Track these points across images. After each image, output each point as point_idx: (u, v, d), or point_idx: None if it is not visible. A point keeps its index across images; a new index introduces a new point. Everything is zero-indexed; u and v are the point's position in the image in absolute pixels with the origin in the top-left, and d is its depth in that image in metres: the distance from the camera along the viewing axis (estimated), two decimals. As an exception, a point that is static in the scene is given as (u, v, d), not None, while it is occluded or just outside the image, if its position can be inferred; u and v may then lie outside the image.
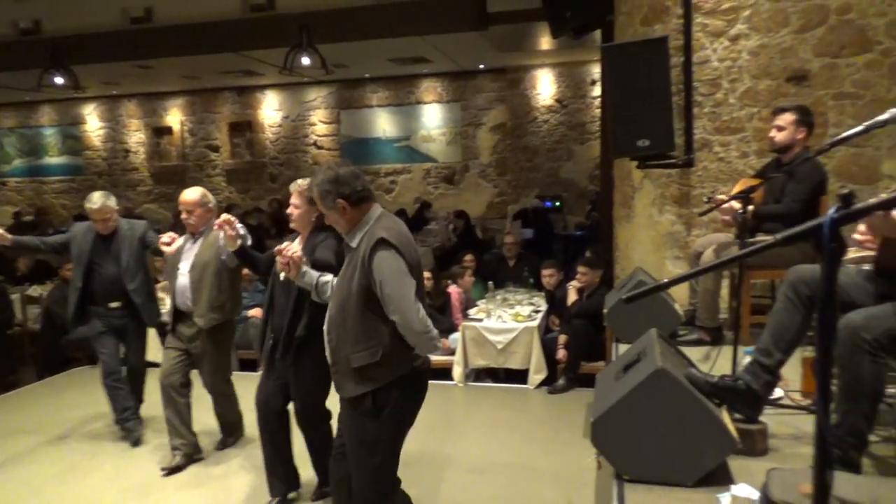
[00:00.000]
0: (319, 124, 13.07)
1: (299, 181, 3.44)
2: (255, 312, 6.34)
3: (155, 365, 6.33)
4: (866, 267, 2.38)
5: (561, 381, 5.57)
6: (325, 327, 2.62)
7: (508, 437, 4.70)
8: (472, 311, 6.19)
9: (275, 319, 3.48)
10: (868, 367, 2.02)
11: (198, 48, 9.08)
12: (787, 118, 3.60)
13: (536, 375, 5.68)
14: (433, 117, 12.46)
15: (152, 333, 6.43)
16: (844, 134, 2.39)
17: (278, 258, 2.82)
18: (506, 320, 5.85)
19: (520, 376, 5.79)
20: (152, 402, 4.98)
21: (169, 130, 13.84)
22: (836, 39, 4.32)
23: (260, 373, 5.26)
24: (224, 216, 3.61)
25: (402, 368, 2.50)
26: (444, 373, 5.88)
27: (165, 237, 4.17)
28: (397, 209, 11.12)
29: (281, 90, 13.11)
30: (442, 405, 5.38)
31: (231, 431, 4.59)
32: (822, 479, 1.15)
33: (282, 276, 3.26)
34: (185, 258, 4.16)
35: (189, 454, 4.33)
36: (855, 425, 2.07)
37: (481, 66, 11.78)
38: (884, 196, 1.20)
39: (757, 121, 4.45)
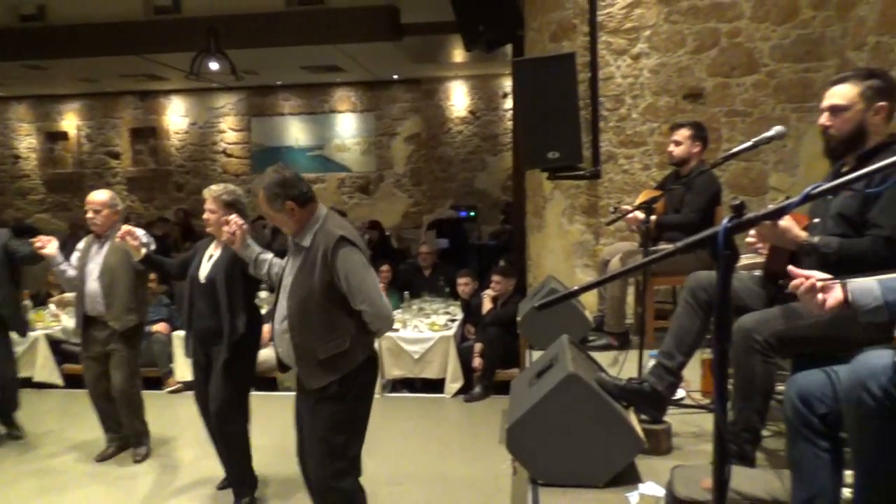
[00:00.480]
0: (229, 132, 12.67)
1: (213, 187, 3.53)
2: (160, 328, 6.05)
3: (49, 386, 5.98)
4: (757, 273, 2.55)
5: (477, 389, 5.63)
6: (280, 325, 2.69)
7: (425, 446, 4.70)
8: (388, 322, 6.15)
9: (199, 321, 3.54)
10: (760, 366, 2.15)
11: (96, 49, 8.62)
12: (683, 133, 3.81)
13: (453, 384, 5.71)
14: (347, 127, 12.35)
15: (45, 353, 6.05)
16: (735, 149, 2.57)
17: (224, 229, 2.94)
18: (422, 330, 5.86)
19: (436, 386, 5.81)
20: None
21: (64, 136, 13.01)
22: (728, 60, 4.63)
23: (166, 391, 5.22)
24: (124, 227, 3.70)
25: (364, 354, 2.68)
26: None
27: (38, 241, 4.05)
28: (311, 219, 10.89)
29: (187, 95, 12.62)
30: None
31: (138, 443, 4.44)
32: (720, 474, 1.22)
33: (203, 277, 3.47)
34: (93, 262, 4.10)
35: (122, 445, 4.43)
36: (749, 421, 2.21)
37: (395, 77, 11.80)
38: (771, 207, 1.29)
39: (658, 135, 4.69)
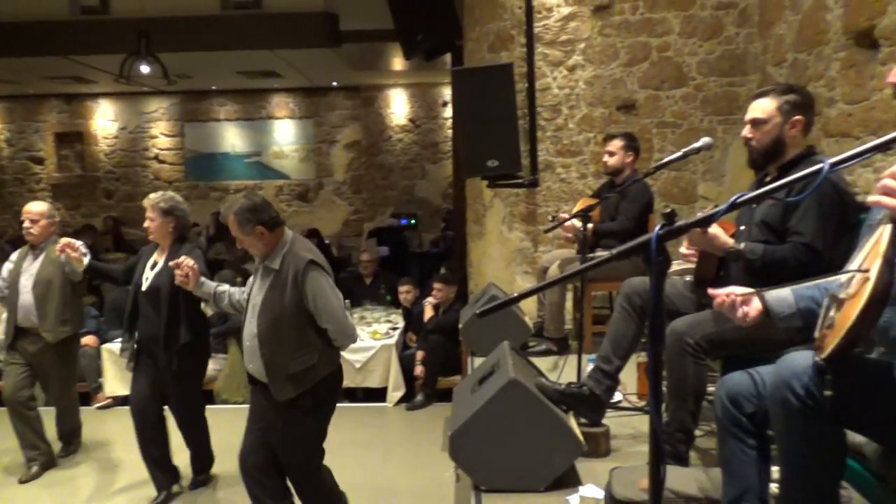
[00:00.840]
0: (161, 137, 12.26)
1: (151, 195, 3.62)
2: (88, 341, 5.78)
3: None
4: (688, 278, 2.65)
5: (419, 397, 5.62)
6: (251, 342, 2.82)
7: (368, 456, 4.65)
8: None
9: (145, 327, 3.59)
10: (692, 368, 2.24)
11: (17, 49, 8.21)
12: (616, 144, 3.93)
13: (395, 392, 5.68)
14: (286, 133, 12.16)
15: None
16: (666, 159, 2.67)
17: (176, 272, 3.04)
18: (363, 338, 5.80)
19: (378, 394, 5.77)
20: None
21: (-19, 140, 12.35)
22: (658, 74, 4.80)
23: (94, 407, 5.13)
24: (64, 240, 3.72)
25: (330, 367, 2.87)
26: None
27: None
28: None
29: (117, 99, 12.15)
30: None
31: (71, 439, 4.49)
32: (656, 474, 1.26)
33: (147, 285, 3.55)
34: (27, 273, 4.06)
35: (45, 464, 4.26)
36: (683, 422, 2.29)
37: (334, 84, 11.70)
38: (700, 215, 1.35)
39: (594, 145, 4.82)
